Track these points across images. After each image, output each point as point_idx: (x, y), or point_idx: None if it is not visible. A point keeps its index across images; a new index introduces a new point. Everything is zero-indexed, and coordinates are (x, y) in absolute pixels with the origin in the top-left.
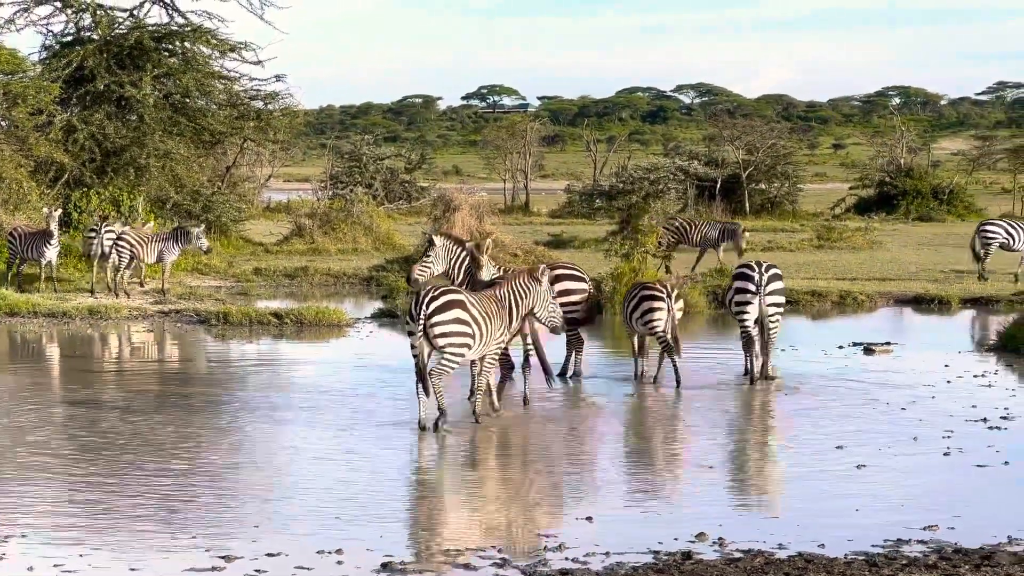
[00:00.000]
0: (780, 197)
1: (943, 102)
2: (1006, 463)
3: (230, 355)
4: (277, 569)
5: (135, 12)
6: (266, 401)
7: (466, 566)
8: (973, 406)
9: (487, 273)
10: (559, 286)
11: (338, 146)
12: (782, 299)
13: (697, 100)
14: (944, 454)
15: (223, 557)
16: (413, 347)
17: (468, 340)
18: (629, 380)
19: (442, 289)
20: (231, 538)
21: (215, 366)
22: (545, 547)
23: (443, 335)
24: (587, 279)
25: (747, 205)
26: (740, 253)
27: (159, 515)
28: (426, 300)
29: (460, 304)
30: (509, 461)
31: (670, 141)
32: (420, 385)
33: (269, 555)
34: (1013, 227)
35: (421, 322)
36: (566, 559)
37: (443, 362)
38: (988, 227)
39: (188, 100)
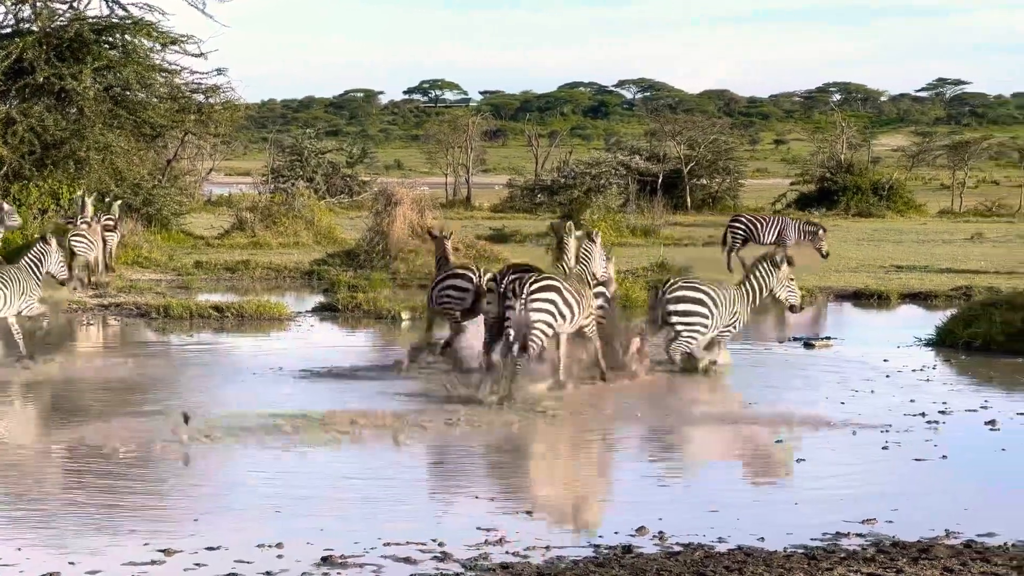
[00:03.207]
0: (721, 192)
1: (883, 99)
2: (944, 457)
3: (171, 349)
4: (217, 562)
5: (75, 4)
6: (206, 395)
7: (407, 560)
8: (912, 400)
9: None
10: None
11: (279, 140)
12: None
13: (639, 95)
14: (883, 448)
15: (163, 550)
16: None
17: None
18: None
19: (545, 275)
20: (171, 531)
21: (155, 360)
22: (486, 541)
23: (537, 310)
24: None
25: (688, 200)
26: (824, 255)
27: (98, 508)
28: (529, 283)
29: (555, 288)
30: (451, 456)
31: (612, 136)
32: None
33: (209, 548)
34: None
35: (522, 301)
36: (507, 553)
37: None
38: None
39: (129, 93)
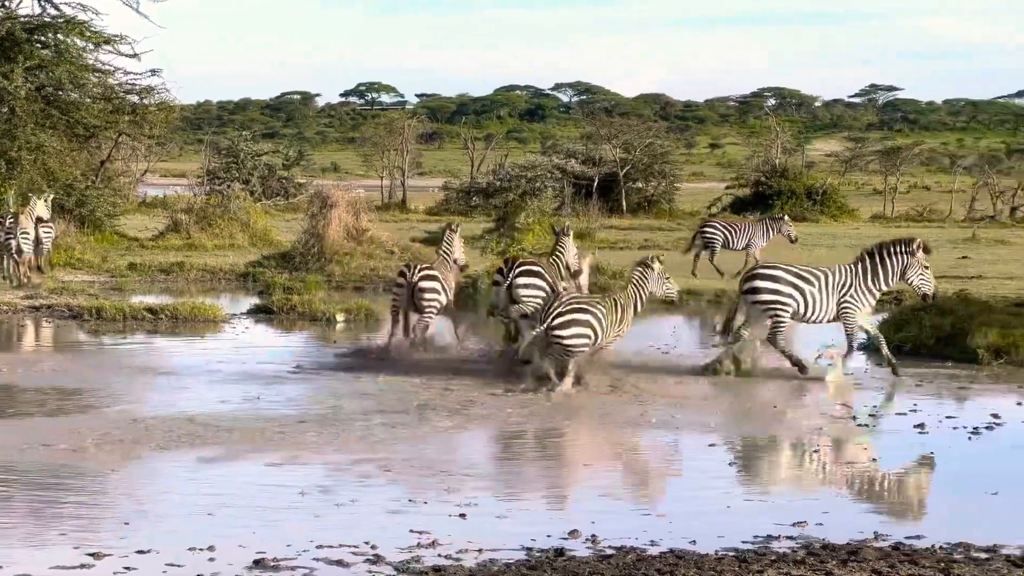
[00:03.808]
0: (657, 196)
1: (817, 104)
2: (874, 460)
3: (103, 350)
4: (147, 566)
5: (7, 3)
6: (138, 397)
7: (339, 563)
8: (842, 404)
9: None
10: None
11: (215, 142)
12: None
13: (575, 99)
14: (814, 451)
15: (92, 554)
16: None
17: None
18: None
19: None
20: (101, 535)
21: (87, 362)
22: (418, 543)
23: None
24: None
25: (624, 204)
26: (794, 240)
27: (27, 511)
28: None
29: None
30: (382, 457)
31: (548, 139)
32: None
33: (140, 552)
34: None
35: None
36: (439, 556)
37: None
38: None
39: (61, 93)
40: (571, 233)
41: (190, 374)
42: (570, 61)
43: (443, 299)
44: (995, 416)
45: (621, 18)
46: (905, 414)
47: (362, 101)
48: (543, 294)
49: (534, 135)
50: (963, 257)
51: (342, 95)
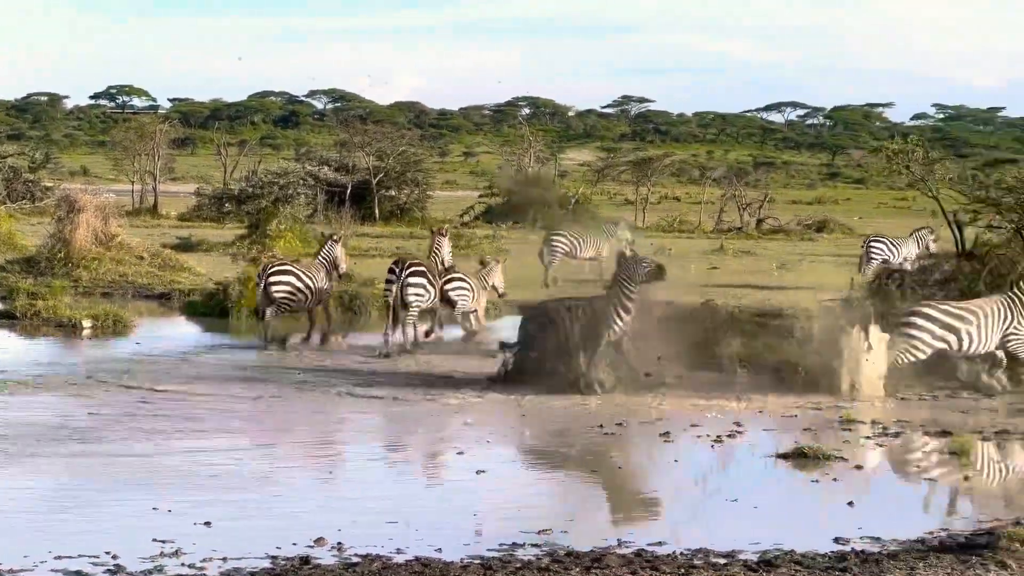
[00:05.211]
0: (410, 204)
1: (571, 114)
2: (619, 468)
3: None
4: None
5: None
6: None
7: (78, 573)
8: (588, 412)
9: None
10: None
11: None
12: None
13: (330, 106)
14: (562, 460)
15: None
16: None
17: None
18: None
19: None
20: None
21: None
22: (161, 553)
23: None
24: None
25: (377, 211)
26: (631, 242)
27: None
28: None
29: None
30: (125, 464)
31: (302, 146)
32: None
33: None
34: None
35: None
36: (183, 565)
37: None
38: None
39: None
40: (448, 234)
41: None
42: (325, 68)
43: (301, 293)
44: (738, 424)
45: (376, 25)
46: (651, 423)
47: (113, 104)
48: (427, 291)
49: (288, 142)
50: (712, 268)
51: (92, 97)
